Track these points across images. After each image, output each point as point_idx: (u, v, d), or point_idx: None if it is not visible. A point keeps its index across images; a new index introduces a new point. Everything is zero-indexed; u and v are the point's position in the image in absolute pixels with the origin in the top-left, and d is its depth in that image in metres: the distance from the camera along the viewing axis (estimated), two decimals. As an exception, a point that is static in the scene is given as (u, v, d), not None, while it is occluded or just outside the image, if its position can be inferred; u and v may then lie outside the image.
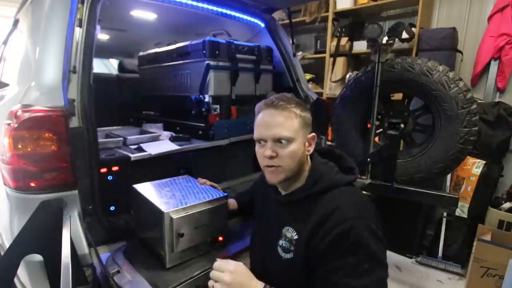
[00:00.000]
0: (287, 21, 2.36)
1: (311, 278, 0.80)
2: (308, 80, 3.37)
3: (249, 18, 2.07)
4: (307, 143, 0.89)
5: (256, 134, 0.89)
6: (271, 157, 0.86)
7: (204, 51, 1.72)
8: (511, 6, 2.31)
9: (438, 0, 2.76)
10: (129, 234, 1.25)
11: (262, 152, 0.87)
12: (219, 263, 0.82)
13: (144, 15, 2.13)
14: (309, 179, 0.89)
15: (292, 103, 0.87)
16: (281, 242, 0.89)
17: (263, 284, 0.78)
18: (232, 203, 1.26)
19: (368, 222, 0.76)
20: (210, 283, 0.80)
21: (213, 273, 0.80)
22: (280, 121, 0.85)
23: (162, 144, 1.62)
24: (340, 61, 3.08)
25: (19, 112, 0.98)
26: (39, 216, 0.95)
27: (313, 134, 0.91)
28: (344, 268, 0.73)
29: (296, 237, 0.85)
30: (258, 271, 1.04)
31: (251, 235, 1.11)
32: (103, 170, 1.31)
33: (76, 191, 1.06)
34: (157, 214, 1.02)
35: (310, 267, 0.80)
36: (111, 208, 1.35)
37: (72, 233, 0.93)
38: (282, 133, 0.84)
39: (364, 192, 1.71)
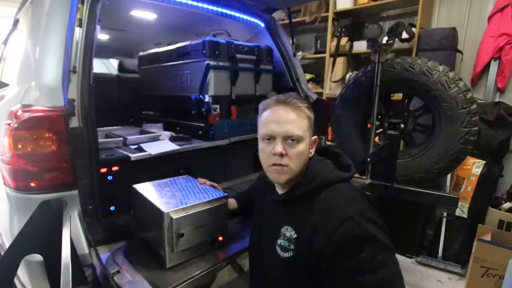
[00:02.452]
0: (287, 21, 2.36)
1: (316, 278, 0.79)
2: (308, 80, 3.37)
3: (249, 18, 2.07)
4: (310, 145, 0.89)
5: (265, 130, 0.86)
6: (281, 155, 0.82)
7: (204, 51, 1.72)
8: (511, 6, 2.31)
9: (438, 0, 2.76)
10: (129, 234, 1.25)
11: (271, 150, 0.84)
12: None
13: (144, 15, 2.13)
14: (305, 176, 0.88)
15: (303, 102, 0.87)
16: (279, 241, 0.88)
17: None
18: (232, 203, 1.26)
19: (369, 215, 0.76)
20: None
21: None
22: (292, 118, 0.83)
23: (162, 144, 1.62)
24: (340, 61, 3.08)
25: (19, 112, 0.98)
26: (39, 216, 0.94)
27: (315, 137, 0.91)
28: (358, 266, 0.71)
29: (295, 236, 0.84)
30: (256, 270, 1.05)
31: (250, 235, 1.11)
32: (103, 170, 1.30)
33: (76, 191, 1.06)
34: (157, 214, 1.02)
35: (316, 265, 0.78)
36: (111, 208, 1.35)
37: (72, 233, 0.93)
38: (294, 130, 0.82)
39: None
